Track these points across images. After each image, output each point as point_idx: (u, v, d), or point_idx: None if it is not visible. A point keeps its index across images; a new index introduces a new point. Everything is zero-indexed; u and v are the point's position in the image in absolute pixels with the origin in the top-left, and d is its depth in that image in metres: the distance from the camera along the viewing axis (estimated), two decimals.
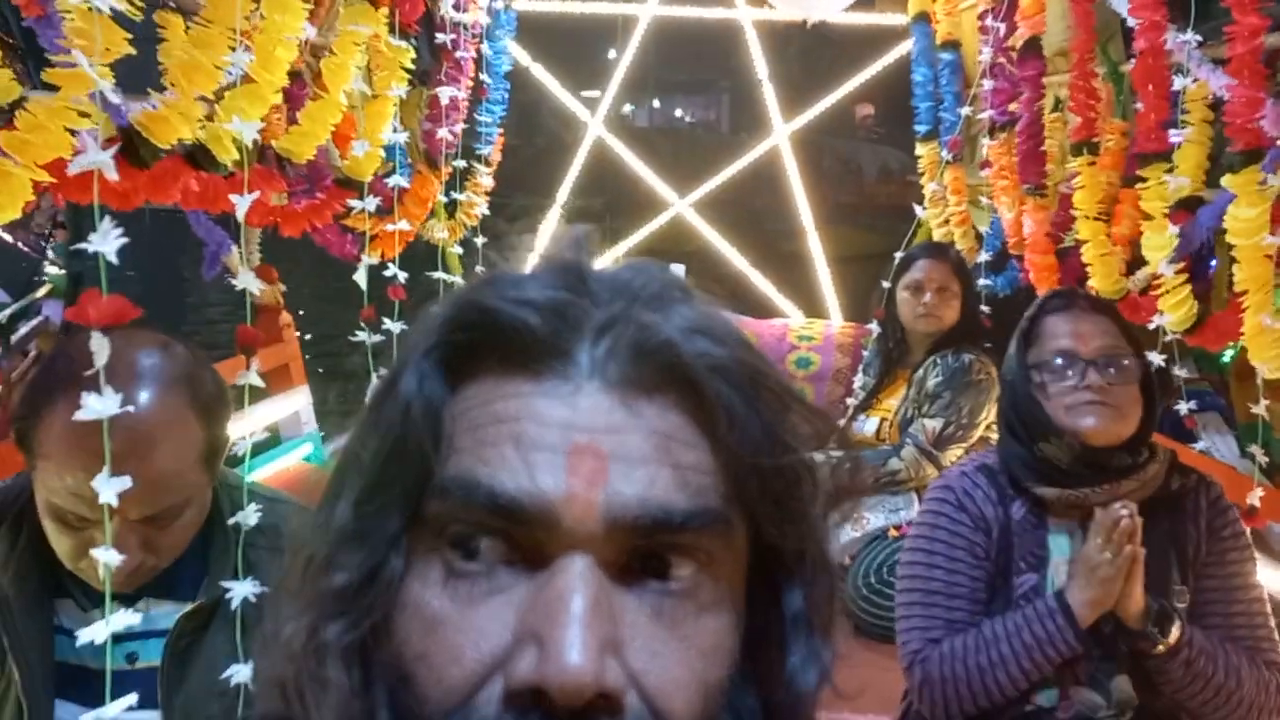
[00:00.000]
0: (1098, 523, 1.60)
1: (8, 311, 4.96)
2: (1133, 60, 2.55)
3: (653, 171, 5.20)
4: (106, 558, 1.18)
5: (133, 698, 1.24)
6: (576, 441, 0.50)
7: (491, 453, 0.50)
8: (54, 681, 1.31)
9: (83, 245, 1.14)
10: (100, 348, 1.13)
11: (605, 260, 0.58)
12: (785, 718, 0.56)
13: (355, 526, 0.52)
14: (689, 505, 0.51)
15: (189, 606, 1.33)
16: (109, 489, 1.13)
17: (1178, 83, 2.28)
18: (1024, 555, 1.70)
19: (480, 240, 3.61)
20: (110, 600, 1.21)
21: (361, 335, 2.08)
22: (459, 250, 3.50)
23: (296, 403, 3.81)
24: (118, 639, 1.32)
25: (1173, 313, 2.22)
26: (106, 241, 1.15)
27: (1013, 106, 3.34)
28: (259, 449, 2.96)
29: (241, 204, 1.45)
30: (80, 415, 1.11)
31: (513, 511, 0.49)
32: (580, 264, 0.56)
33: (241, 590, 1.33)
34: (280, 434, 3.75)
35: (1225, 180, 1.98)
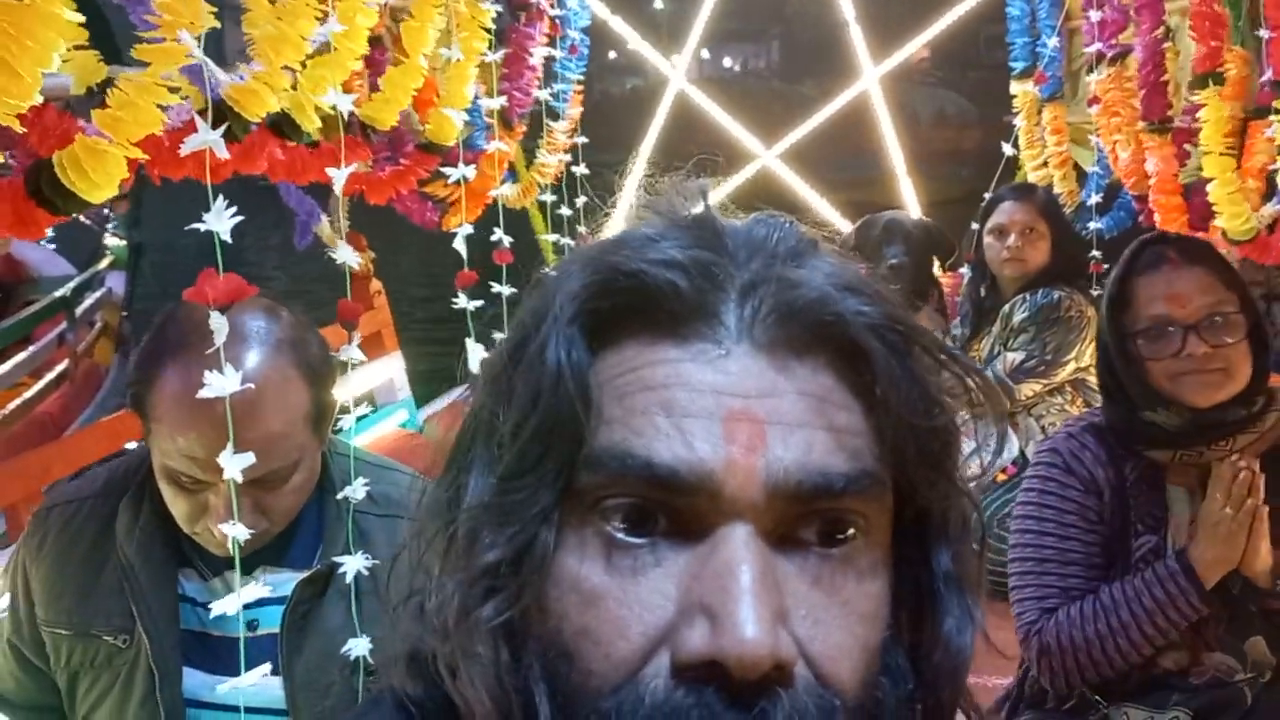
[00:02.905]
0: (1215, 478, 1.53)
1: (73, 284, 5.11)
2: None
3: (710, 125, 5.05)
4: (234, 531, 1.21)
5: (266, 666, 1.27)
6: (731, 407, 0.49)
7: (643, 421, 0.49)
8: (181, 649, 1.34)
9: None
10: (220, 326, 1.15)
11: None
12: (944, 678, 0.55)
13: (500, 501, 0.51)
14: (848, 469, 0.50)
15: (305, 574, 1.35)
16: (233, 465, 1.16)
17: None
18: (1141, 516, 1.63)
19: (580, 201, 3.53)
20: (239, 571, 1.23)
21: (461, 301, 2.05)
22: (566, 211, 3.43)
23: (390, 369, 3.84)
24: None
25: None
26: (220, 220, 1.15)
27: (1123, 37, 3.15)
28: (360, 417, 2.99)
29: (339, 176, 1.43)
30: (203, 394, 1.13)
31: (672, 482, 0.48)
32: (713, 220, 0.54)
33: (354, 564, 1.34)
34: (375, 401, 3.78)
35: None
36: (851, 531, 0.51)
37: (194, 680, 1.35)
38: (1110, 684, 1.63)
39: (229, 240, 1.20)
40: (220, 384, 1.13)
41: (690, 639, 0.46)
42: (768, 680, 0.46)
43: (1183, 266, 1.60)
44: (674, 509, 0.48)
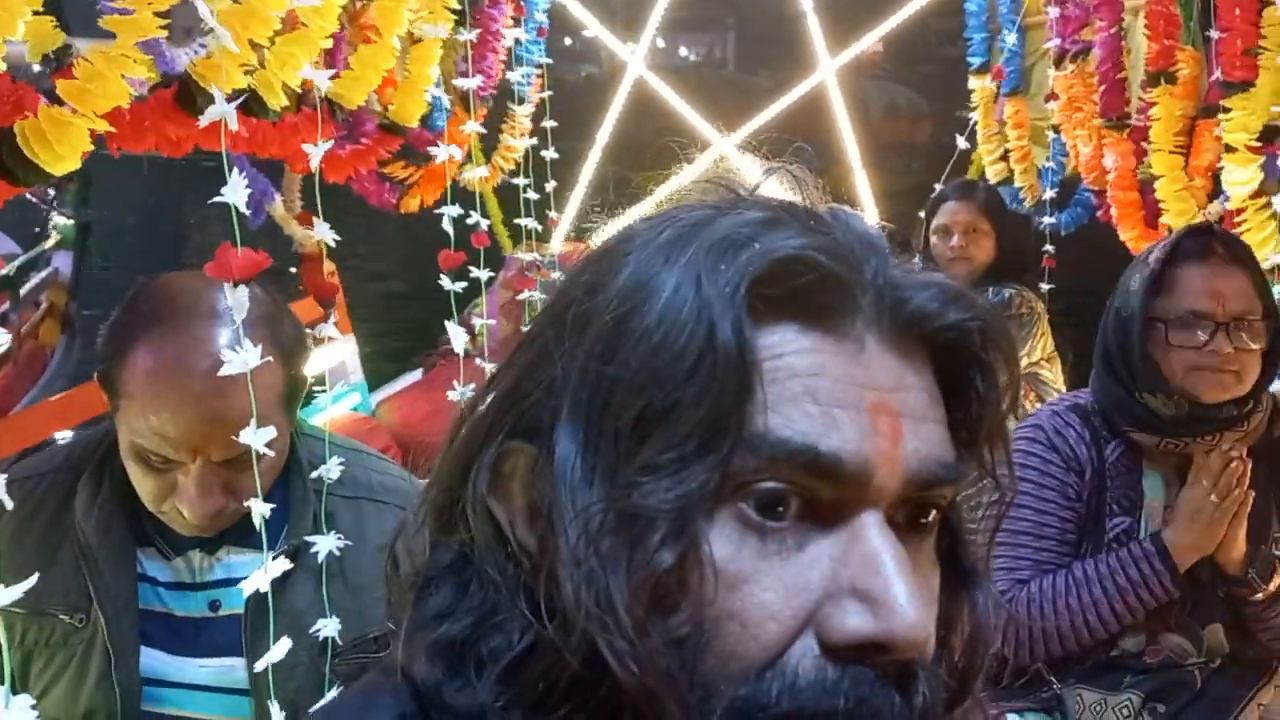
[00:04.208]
0: (1202, 465, 1.56)
1: (17, 263, 4.95)
2: None
3: (665, 113, 5.03)
4: (259, 507, 1.21)
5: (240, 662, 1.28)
6: (871, 400, 0.50)
7: (794, 409, 0.49)
8: (139, 629, 1.32)
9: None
10: (240, 302, 1.13)
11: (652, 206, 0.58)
12: (980, 653, 0.59)
13: (650, 486, 0.48)
14: (954, 460, 0.54)
15: (270, 555, 1.32)
16: (258, 439, 1.16)
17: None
18: (1117, 498, 1.67)
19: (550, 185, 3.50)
20: (266, 550, 1.23)
21: (445, 283, 2.04)
22: (533, 195, 3.40)
23: (342, 352, 3.80)
24: (199, 586, 1.35)
25: (1259, 249, 2.12)
26: (236, 193, 1.14)
27: (1083, 34, 3.21)
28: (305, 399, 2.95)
29: (315, 152, 1.42)
30: (224, 371, 1.12)
31: (833, 470, 0.49)
32: (819, 213, 0.55)
33: (326, 544, 1.33)
34: (327, 383, 3.74)
35: None
36: (933, 516, 0.54)
37: (155, 660, 1.33)
38: (1065, 664, 1.66)
39: (246, 213, 1.20)
40: (241, 359, 1.12)
41: (846, 621, 0.48)
42: (913, 659, 0.49)
43: (1228, 263, 1.62)
44: (815, 495, 0.50)
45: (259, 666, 1.24)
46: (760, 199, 0.56)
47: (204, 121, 1.19)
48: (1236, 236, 1.84)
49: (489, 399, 0.56)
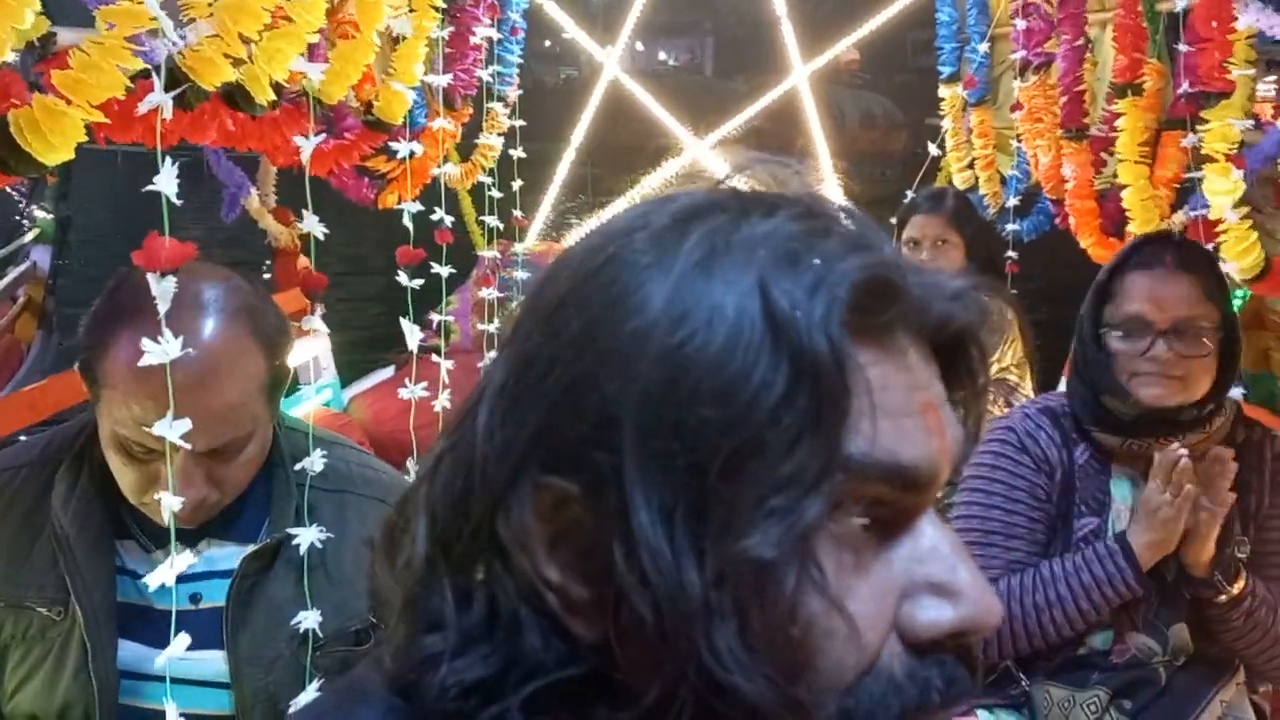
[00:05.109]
0: (1157, 465, 1.59)
1: None
2: None
3: (642, 116, 5.05)
4: (169, 501, 1.19)
5: (185, 638, 1.25)
6: (921, 400, 0.51)
7: (878, 427, 0.48)
8: (117, 622, 1.32)
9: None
10: (165, 292, 1.13)
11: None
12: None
13: (759, 534, 0.46)
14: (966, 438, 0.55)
15: (251, 548, 1.33)
16: (173, 431, 1.14)
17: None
18: (1086, 499, 1.70)
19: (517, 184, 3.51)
20: (174, 541, 1.22)
21: (403, 278, 2.04)
22: (497, 194, 3.41)
23: (315, 347, 3.77)
24: (181, 579, 1.32)
25: (1238, 260, 2.16)
26: (169, 183, 1.14)
27: (1048, 46, 3.26)
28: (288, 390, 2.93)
29: (306, 148, 1.41)
30: (143, 361, 1.11)
31: (915, 480, 0.50)
32: (834, 211, 0.54)
33: (308, 536, 1.33)
34: (300, 379, 3.71)
35: None
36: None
37: (134, 653, 1.32)
38: (1034, 661, 1.69)
39: (177, 203, 1.19)
40: (160, 349, 1.11)
41: (931, 617, 0.50)
42: None
43: (1173, 271, 1.65)
44: (883, 502, 0.50)
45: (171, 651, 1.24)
46: (764, 195, 0.55)
47: (142, 109, 1.18)
48: (1194, 244, 1.87)
49: (500, 423, 0.51)
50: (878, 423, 0.48)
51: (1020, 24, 3.38)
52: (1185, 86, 2.46)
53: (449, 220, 2.35)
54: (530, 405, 0.50)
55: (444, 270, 2.18)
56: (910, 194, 3.34)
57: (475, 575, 0.53)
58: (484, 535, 0.52)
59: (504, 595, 0.52)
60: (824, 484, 0.46)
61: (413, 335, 1.95)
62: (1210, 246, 2.20)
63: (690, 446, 0.47)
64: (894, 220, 3.37)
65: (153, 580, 1.22)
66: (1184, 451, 1.57)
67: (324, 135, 2.28)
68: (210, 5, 1.44)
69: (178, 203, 1.16)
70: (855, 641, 0.48)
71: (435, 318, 3.07)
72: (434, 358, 2.38)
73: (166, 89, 1.50)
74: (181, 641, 1.24)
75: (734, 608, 0.46)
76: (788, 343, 0.47)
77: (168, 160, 1.16)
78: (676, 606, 0.46)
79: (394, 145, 2.18)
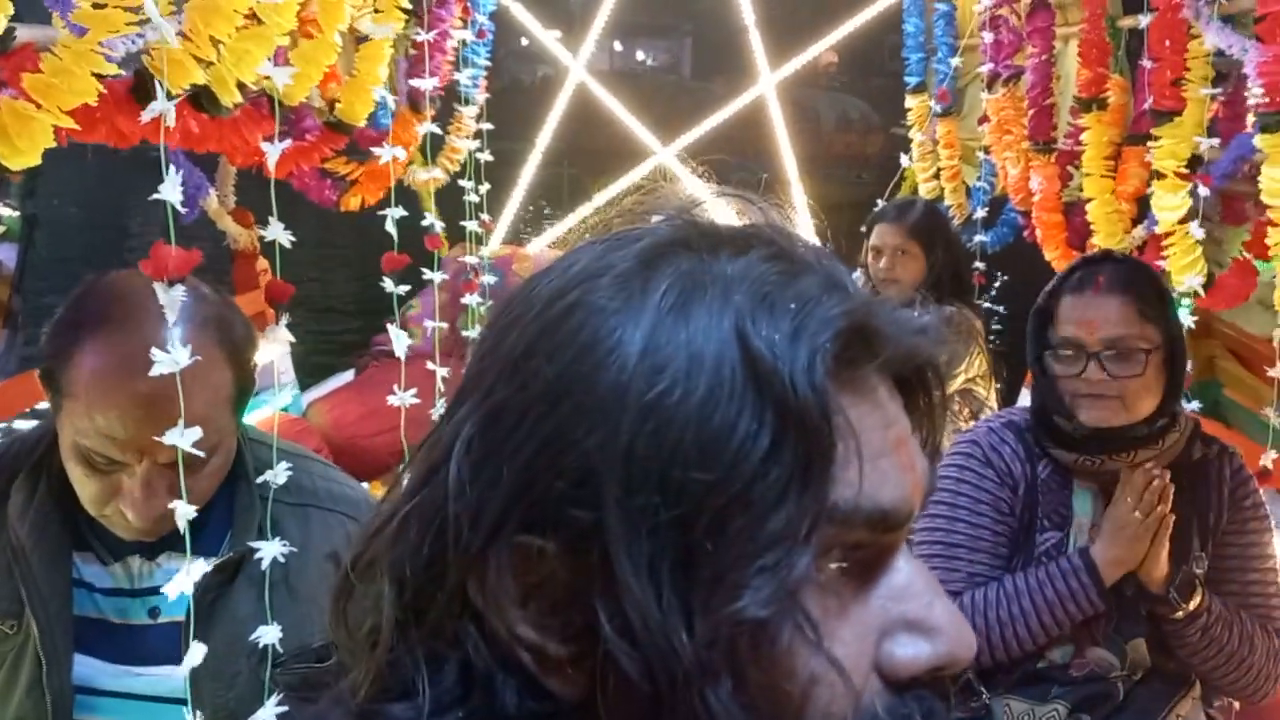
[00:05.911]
0: (1128, 483, 1.60)
1: None
2: (1140, 16, 2.53)
3: (620, 118, 5.04)
4: (183, 509, 1.19)
5: (201, 648, 1.24)
6: (893, 437, 0.50)
7: (858, 472, 0.47)
8: (73, 635, 1.29)
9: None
10: (172, 302, 1.12)
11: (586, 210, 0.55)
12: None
13: (750, 592, 0.45)
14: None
15: (214, 562, 1.30)
16: (184, 439, 1.14)
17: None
18: (1048, 513, 1.71)
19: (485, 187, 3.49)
20: (189, 550, 1.20)
21: (388, 285, 2.02)
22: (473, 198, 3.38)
23: (273, 351, 3.71)
24: (139, 593, 1.31)
25: (1184, 273, 2.20)
26: (172, 190, 1.13)
27: (1016, 59, 3.30)
28: None
29: (271, 152, 1.39)
30: (154, 371, 1.10)
31: (894, 521, 0.49)
32: (805, 252, 0.53)
33: (270, 550, 1.31)
34: (258, 384, 3.65)
35: (1258, 140, 1.95)
36: None
37: (90, 668, 1.30)
38: (994, 674, 1.70)
39: (182, 211, 1.20)
40: (170, 358, 1.11)
41: (910, 654, 0.49)
42: None
43: (1104, 293, 1.65)
44: (862, 545, 0.49)
45: (183, 669, 1.22)
46: (731, 231, 0.53)
47: (145, 117, 1.17)
48: (1134, 263, 1.86)
49: (470, 479, 0.49)
50: (861, 468, 0.48)
51: (989, 36, 3.41)
52: (1149, 103, 2.50)
53: (439, 226, 2.33)
54: (503, 462, 0.48)
55: (436, 276, 2.16)
56: (881, 202, 3.36)
57: (448, 640, 0.51)
58: (458, 599, 0.50)
59: (479, 658, 0.50)
60: (813, 537, 0.46)
61: (400, 341, 1.93)
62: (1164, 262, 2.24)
63: (675, 502, 0.45)
64: (863, 229, 3.40)
65: (170, 590, 1.21)
66: (1157, 471, 1.59)
67: (286, 138, 2.26)
68: (173, 3, 1.43)
69: (181, 210, 1.16)
70: (845, 687, 0.48)
71: (392, 329, 3.04)
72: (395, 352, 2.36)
73: (134, 90, 1.48)
74: (198, 651, 1.23)
75: (728, 667, 0.45)
76: (771, 393, 0.46)
77: (173, 168, 1.15)
78: (669, 667, 0.45)
79: (375, 150, 2.16)
